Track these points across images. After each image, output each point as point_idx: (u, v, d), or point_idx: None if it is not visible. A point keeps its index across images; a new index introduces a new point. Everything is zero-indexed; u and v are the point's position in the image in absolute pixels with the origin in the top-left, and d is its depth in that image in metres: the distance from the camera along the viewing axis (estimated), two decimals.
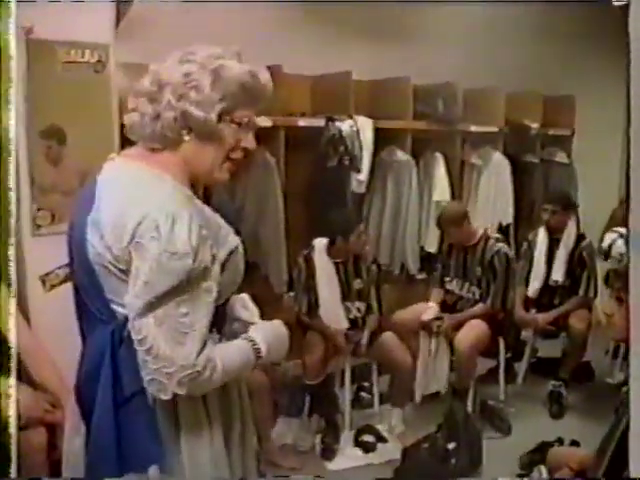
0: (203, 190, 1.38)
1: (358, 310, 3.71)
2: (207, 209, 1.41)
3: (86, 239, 1.35)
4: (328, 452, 3.43)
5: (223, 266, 1.36)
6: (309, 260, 3.65)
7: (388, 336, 3.71)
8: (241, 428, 1.53)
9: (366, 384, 4.05)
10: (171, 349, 1.27)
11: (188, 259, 1.26)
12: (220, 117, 1.37)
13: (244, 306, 1.56)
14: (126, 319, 1.32)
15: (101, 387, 1.36)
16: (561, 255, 4.16)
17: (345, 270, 3.69)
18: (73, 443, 1.49)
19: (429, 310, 3.93)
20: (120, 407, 1.36)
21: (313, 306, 3.64)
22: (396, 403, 3.67)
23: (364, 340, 3.63)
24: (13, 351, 1.64)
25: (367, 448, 3.49)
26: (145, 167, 1.37)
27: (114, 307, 1.36)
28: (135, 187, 1.34)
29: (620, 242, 4.18)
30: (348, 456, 3.43)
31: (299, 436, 3.54)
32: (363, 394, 4.05)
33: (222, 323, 1.49)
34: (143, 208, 1.28)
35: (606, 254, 4.21)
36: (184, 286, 1.28)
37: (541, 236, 4.27)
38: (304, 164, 4.36)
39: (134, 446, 1.37)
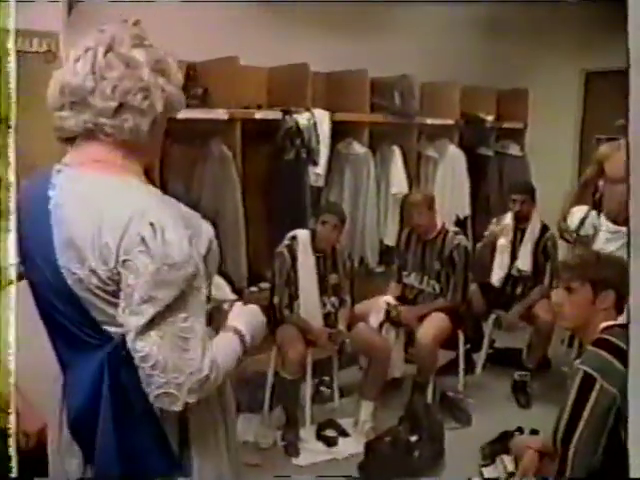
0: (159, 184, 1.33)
1: (332, 305, 3.71)
2: (173, 200, 1.32)
3: (58, 265, 1.26)
4: (291, 448, 3.38)
5: (205, 258, 1.31)
6: (292, 252, 3.60)
7: (362, 325, 3.74)
8: (233, 425, 1.51)
9: (326, 378, 4.03)
10: (177, 358, 1.21)
11: (188, 267, 1.21)
12: None
13: (215, 285, 1.50)
14: (123, 338, 1.24)
15: (103, 412, 1.28)
16: (527, 245, 4.19)
17: (324, 264, 3.68)
18: (69, 465, 1.42)
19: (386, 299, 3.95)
20: (125, 428, 1.30)
21: (293, 299, 3.60)
22: (367, 395, 3.60)
23: (343, 332, 3.63)
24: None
25: (329, 443, 3.46)
26: (103, 174, 1.28)
27: (107, 328, 1.28)
28: (102, 199, 1.24)
29: (594, 214, 4.10)
30: (312, 451, 3.39)
31: (260, 433, 3.50)
32: (323, 388, 4.03)
33: None
34: (120, 221, 1.20)
35: (577, 229, 4.14)
36: (183, 293, 1.22)
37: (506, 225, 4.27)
38: (261, 157, 4.30)
39: (142, 464, 1.32)
